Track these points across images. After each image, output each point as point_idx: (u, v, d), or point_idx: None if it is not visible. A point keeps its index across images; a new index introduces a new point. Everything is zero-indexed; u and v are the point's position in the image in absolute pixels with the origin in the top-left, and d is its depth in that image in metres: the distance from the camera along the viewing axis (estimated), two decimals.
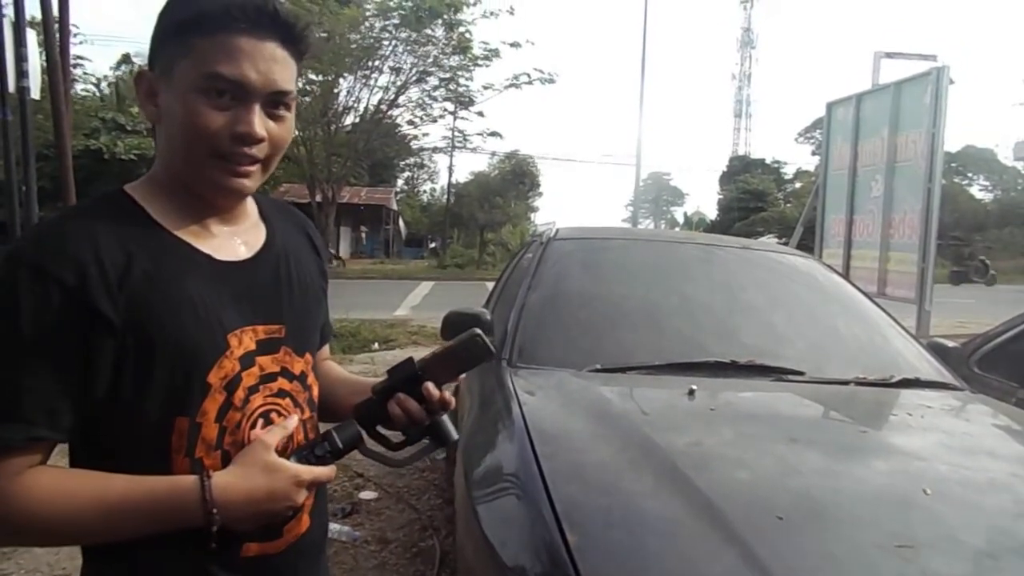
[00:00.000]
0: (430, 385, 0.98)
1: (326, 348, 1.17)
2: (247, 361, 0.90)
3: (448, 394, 1.01)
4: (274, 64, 0.88)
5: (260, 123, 0.88)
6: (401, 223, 38.80)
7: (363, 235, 34.40)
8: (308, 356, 1.00)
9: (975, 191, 41.96)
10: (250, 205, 1.02)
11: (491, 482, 1.70)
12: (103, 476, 0.82)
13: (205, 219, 0.93)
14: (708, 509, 1.35)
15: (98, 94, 26.88)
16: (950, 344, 2.88)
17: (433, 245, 37.37)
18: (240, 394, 0.89)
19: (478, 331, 0.98)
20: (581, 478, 1.54)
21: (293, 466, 0.88)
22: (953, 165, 38.69)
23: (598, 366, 2.15)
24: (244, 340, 0.91)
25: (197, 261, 0.90)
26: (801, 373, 2.19)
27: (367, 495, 3.91)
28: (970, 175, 42.68)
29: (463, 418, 2.29)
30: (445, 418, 1.01)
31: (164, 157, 0.92)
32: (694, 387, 1.94)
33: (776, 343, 2.40)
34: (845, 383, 2.19)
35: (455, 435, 1.01)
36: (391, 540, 3.37)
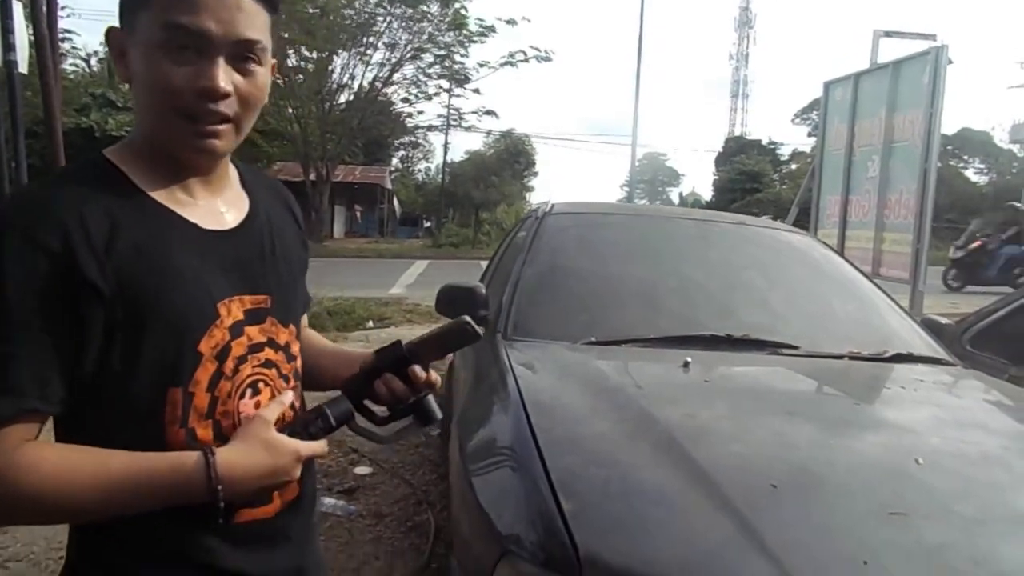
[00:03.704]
0: (417, 368, 1.00)
1: (305, 318, 1.16)
2: (236, 331, 0.89)
3: (434, 375, 1.03)
4: (238, 13, 0.83)
5: (224, 77, 0.84)
6: (396, 202, 38.65)
7: (358, 214, 34.26)
8: (292, 327, 1.00)
9: (970, 174, 41.95)
10: (232, 173, 1.00)
11: (487, 454, 1.70)
12: (102, 452, 0.80)
13: (188, 185, 0.91)
14: (703, 479, 1.36)
15: (87, 70, 26.53)
16: (944, 321, 2.89)
17: (428, 224, 37.25)
18: (230, 363, 0.88)
19: (467, 318, 0.99)
20: (576, 449, 1.55)
21: (293, 442, 0.88)
22: (949, 148, 38.64)
23: (593, 339, 2.15)
24: (233, 310, 0.90)
25: (184, 229, 0.88)
26: (796, 347, 2.20)
27: (362, 470, 3.93)
28: (966, 158, 42.65)
29: (458, 392, 2.29)
30: (430, 397, 1.03)
31: (139, 121, 0.90)
32: (689, 360, 1.94)
33: (771, 317, 2.41)
34: (839, 357, 2.20)
35: (439, 414, 1.03)
36: (386, 514, 3.39)
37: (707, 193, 47.88)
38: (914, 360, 2.30)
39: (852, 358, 2.21)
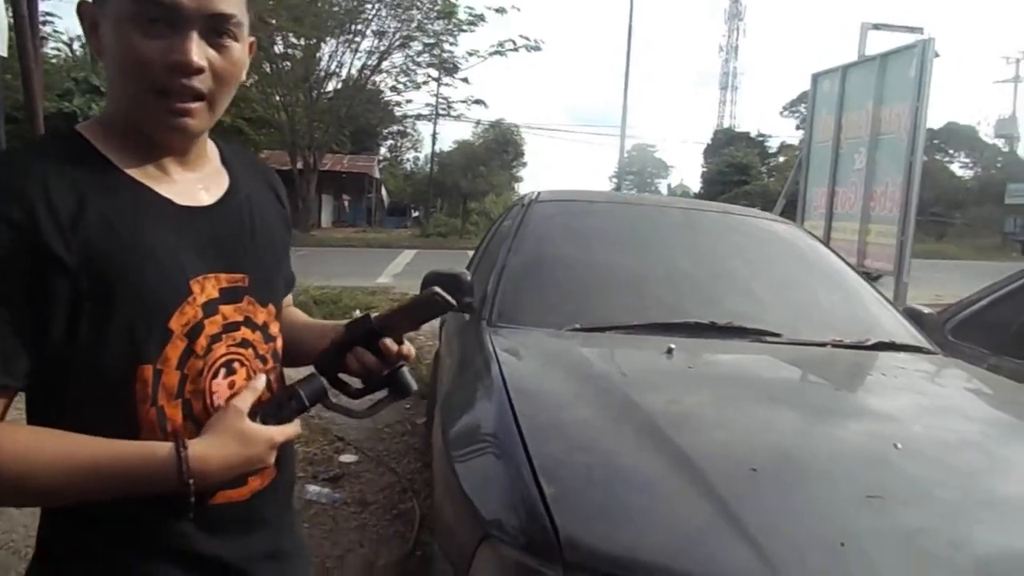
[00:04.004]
0: (388, 341, 0.99)
1: (290, 297, 1.15)
2: (210, 309, 0.88)
3: (408, 347, 1.02)
4: None
5: (198, 52, 0.82)
6: (384, 192, 38.48)
7: (345, 203, 34.09)
8: (272, 307, 0.98)
9: (956, 168, 42.34)
10: (211, 150, 0.98)
11: (470, 440, 1.70)
12: (72, 436, 0.79)
13: (162, 161, 0.89)
14: (685, 464, 1.37)
15: (70, 54, 26.12)
16: (926, 310, 2.92)
17: (416, 214, 37.13)
18: (202, 342, 0.87)
19: (437, 289, 0.97)
20: (559, 435, 1.55)
21: (266, 431, 0.88)
22: (935, 142, 38.94)
23: (577, 326, 2.15)
24: (207, 287, 0.88)
25: (156, 204, 0.86)
26: (778, 335, 2.21)
27: (347, 458, 3.93)
28: (951, 152, 43.00)
29: (443, 379, 2.28)
30: (405, 369, 1.01)
31: (111, 94, 0.88)
32: (672, 346, 1.95)
33: (755, 305, 2.41)
34: (822, 345, 2.22)
35: (414, 386, 1.02)
36: (371, 502, 3.39)
37: (696, 185, 48.03)
38: (895, 348, 2.32)
39: (834, 346, 2.23)
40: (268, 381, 0.95)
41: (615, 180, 24.99)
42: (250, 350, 0.93)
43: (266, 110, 23.16)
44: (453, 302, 0.97)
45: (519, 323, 2.20)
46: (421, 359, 5.80)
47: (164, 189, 0.87)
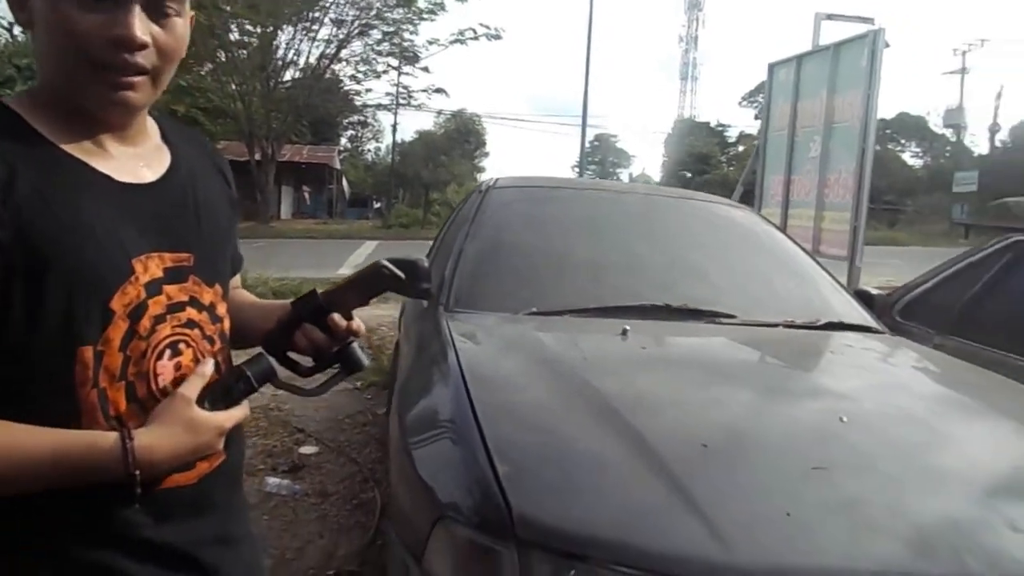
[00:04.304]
0: (336, 317, 0.98)
1: (237, 278, 1.13)
2: (153, 289, 0.85)
3: (357, 322, 1.01)
4: None
5: (141, 26, 0.80)
6: (345, 183, 38.00)
7: (306, 195, 33.57)
8: (218, 287, 0.96)
9: (907, 157, 43.48)
10: (151, 126, 0.95)
11: (426, 425, 1.69)
12: (10, 427, 0.76)
13: (99, 137, 0.86)
14: (637, 442, 1.38)
15: (11, 40, 25.11)
16: (875, 292, 3.00)
17: (378, 205, 36.77)
18: (145, 323, 0.84)
19: (383, 261, 0.97)
20: (514, 416, 1.56)
21: (215, 417, 0.86)
22: (887, 132, 39.94)
23: (534, 309, 2.15)
24: (150, 267, 0.85)
25: (94, 180, 0.83)
26: (733, 316, 2.25)
27: (308, 449, 3.89)
28: (903, 142, 44.15)
29: (401, 366, 2.27)
30: (355, 345, 1.00)
31: (42, 69, 0.85)
32: (627, 328, 1.97)
33: (710, 288, 2.45)
34: (774, 326, 2.26)
35: (366, 361, 1.02)
36: (332, 493, 3.36)
37: (657, 175, 48.50)
38: (845, 328, 2.38)
39: (787, 327, 2.27)
40: (217, 364, 0.93)
41: (577, 170, 25.10)
42: (196, 331, 0.91)
43: (222, 99, 22.63)
44: (401, 274, 0.96)
45: (476, 308, 2.20)
46: (384, 350, 5.76)
47: (102, 165, 0.85)
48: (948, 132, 40.89)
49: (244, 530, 1.03)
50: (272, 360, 0.96)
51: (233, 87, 22.35)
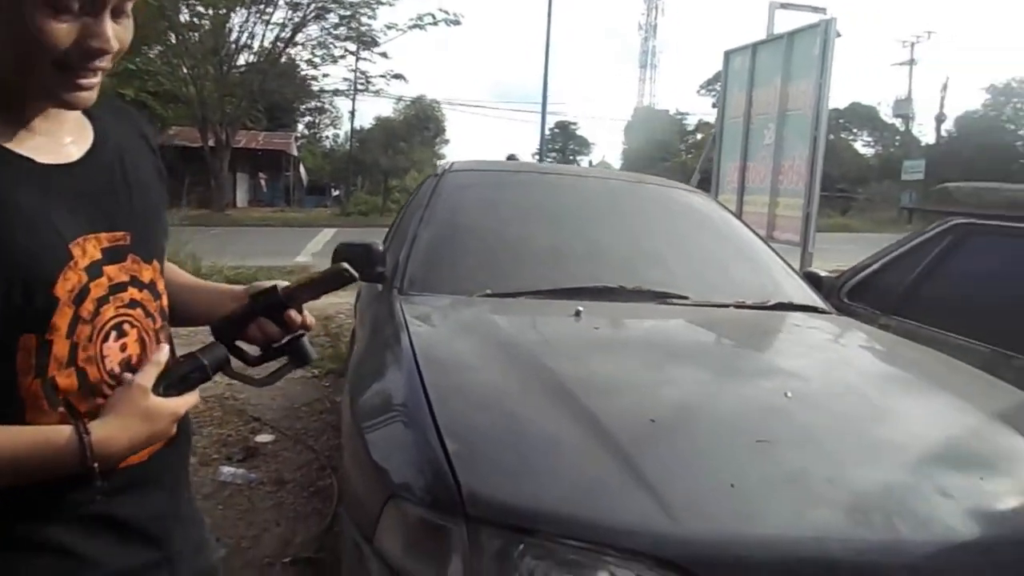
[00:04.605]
0: (292, 312, 1.02)
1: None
2: (94, 271, 0.83)
3: (308, 316, 1.04)
4: None
5: (113, 35, 0.80)
6: (302, 170, 37.33)
7: (262, 182, 32.88)
8: (156, 263, 0.94)
9: (859, 146, 44.64)
10: None
11: (378, 408, 1.68)
12: None
13: (22, 118, 0.83)
14: (587, 419, 1.40)
15: None
16: (823, 274, 3.08)
17: (336, 193, 36.23)
18: (89, 306, 0.82)
19: (345, 264, 1.00)
20: (465, 396, 1.56)
21: (170, 404, 0.86)
22: (840, 121, 40.88)
23: (489, 291, 2.15)
24: (88, 249, 0.83)
25: (16, 164, 0.80)
26: (685, 297, 2.28)
27: (264, 438, 3.84)
28: (855, 131, 45.25)
29: (355, 349, 2.25)
30: (305, 338, 1.04)
31: None
32: (580, 308, 1.98)
33: (664, 270, 2.48)
34: (725, 306, 2.30)
35: (315, 354, 1.07)
36: (288, 480, 3.33)
37: (617, 162, 48.83)
38: (794, 309, 2.44)
39: (737, 307, 2.32)
40: (157, 337, 0.92)
41: (537, 157, 25.12)
42: (139, 310, 0.90)
43: (173, 83, 21.97)
44: (356, 274, 1.00)
45: (430, 290, 2.19)
46: (341, 337, 5.71)
47: (21, 146, 0.81)
48: (898, 122, 42.04)
49: (192, 509, 1.04)
50: (225, 349, 0.98)
51: (184, 71, 21.71)
